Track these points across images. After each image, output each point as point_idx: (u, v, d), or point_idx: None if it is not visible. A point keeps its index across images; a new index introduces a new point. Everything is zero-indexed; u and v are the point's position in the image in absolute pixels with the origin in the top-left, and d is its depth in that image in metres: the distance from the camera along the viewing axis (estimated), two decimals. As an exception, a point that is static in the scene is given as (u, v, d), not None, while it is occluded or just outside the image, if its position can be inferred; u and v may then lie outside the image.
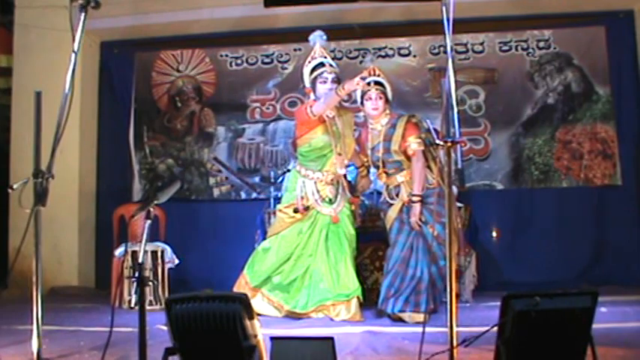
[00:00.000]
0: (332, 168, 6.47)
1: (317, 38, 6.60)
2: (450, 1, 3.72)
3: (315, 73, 6.47)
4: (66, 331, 5.76)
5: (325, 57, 6.57)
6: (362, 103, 6.39)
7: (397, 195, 6.31)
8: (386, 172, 6.36)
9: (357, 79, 5.97)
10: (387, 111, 6.38)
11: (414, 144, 6.20)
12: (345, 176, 6.63)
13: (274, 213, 7.70)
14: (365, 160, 6.59)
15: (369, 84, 6.26)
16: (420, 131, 6.27)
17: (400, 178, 6.29)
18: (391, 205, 6.33)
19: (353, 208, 6.68)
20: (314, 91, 6.49)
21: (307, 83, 6.57)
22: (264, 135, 9.24)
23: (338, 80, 6.43)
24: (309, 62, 6.56)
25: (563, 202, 8.63)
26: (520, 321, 3.36)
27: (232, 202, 9.27)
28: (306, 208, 6.45)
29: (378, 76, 6.36)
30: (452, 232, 3.65)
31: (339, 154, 6.43)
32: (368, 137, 6.46)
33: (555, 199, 8.67)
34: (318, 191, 6.47)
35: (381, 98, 6.30)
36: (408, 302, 6.06)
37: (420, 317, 5.89)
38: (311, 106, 6.37)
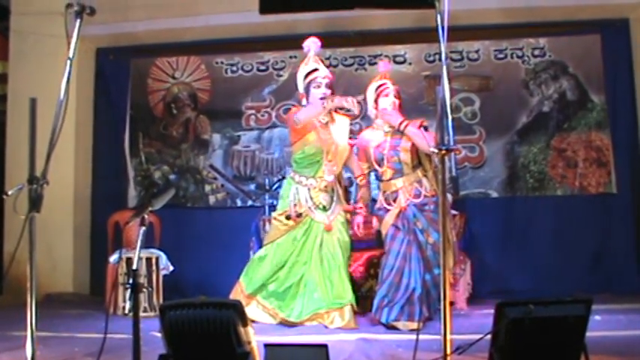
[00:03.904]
0: (325, 176, 6.48)
1: (311, 44, 6.60)
2: (444, 9, 3.73)
3: (309, 78, 6.47)
4: (60, 337, 5.77)
5: (319, 64, 6.57)
6: (375, 101, 6.43)
7: (394, 201, 6.31)
8: (389, 168, 6.35)
9: (351, 98, 6.07)
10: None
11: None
12: (339, 183, 6.63)
13: (269, 220, 7.70)
14: (365, 167, 6.60)
15: (384, 84, 6.40)
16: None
17: (399, 183, 6.30)
18: (388, 210, 6.33)
19: (347, 216, 6.63)
20: (307, 96, 6.49)
21: (301, 88, 6.58)
22: (259, 142, 9.24)
23: (332, 86, 6.47)
24: (303, 67, 6.58)
25: (558, 210, 8.63)
26: (514, 329, 3.37)
27: (228, 209, 9.25)
28: (299, 215, 6.43)
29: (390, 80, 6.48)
30: (446, 241, 3.65)
31: (330, 161, 6.44)
32: (371, 138, 6.46)
33: (550, 207, 8.67)
34: (311, 198, 6.46)
35: (396, 97, 6.38)
36: (402, 312, 6.05)
37: (414, 325, 5.90)
38: (295, 114, 6.41)
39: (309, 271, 6.40)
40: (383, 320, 6.13)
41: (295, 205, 6.45)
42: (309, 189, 6.48)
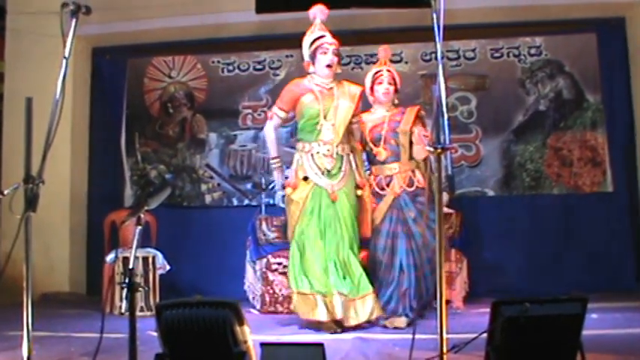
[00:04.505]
0: (325, 137, 6.22)
1: (317, 12, 6.39)
2: (440, 8, 3.73)
3: (316, 44, 6.27)
4: (56, 337, 5.77)
5: (325, 31, 6.35)
6: (371, 88, 6.47)
7: (388, 185, 6.32)
8: (386, 150, 6.33)
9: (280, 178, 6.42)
10: (396, 101, 6.47)
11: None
12: (354, 153, 6.36)
13: (266, 220, 7.70)
14: (360, 148, 6.49)
15: (379, 71, 6.43)
16: (426, 125, 6.44)
17: (395, 167, 6.31)
18: (380, 195, 6.34)
19: (360, 193, 6.31)
20: (313, 63, 6.31)
21: (306, 56, 6.36)
22: (255, 142, 9.23)
23: (338, 54, 6.31)
24: (309, 35, 6.36)
25: (554, 209, 8.65)
26: (509, 327, 3.37)
27: (224, 208, 9.25)
28: (305, 179, 6.16)
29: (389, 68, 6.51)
30: (442, 239, 3.64)
31: (332, 123, 6.19)
32: (368, 119, 6.48)
33: (546, 205, 8.68)
34: (315, 163, 6.19)
35: (391, 84, 6.41)
36: (385, 309, 6.09)
37: (399, 322, 6.01)
38: (270, 119, 6.50)
39: (330, 245, 6.10)
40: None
41: (297, 170, 6.24)
42: (312, 155, 6.22)
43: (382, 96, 6.41)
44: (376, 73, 6.50)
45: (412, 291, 6.10)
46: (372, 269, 6.31)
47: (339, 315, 5.93)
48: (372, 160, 6.52)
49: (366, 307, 6.01)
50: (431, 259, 6.06)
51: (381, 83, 6.41)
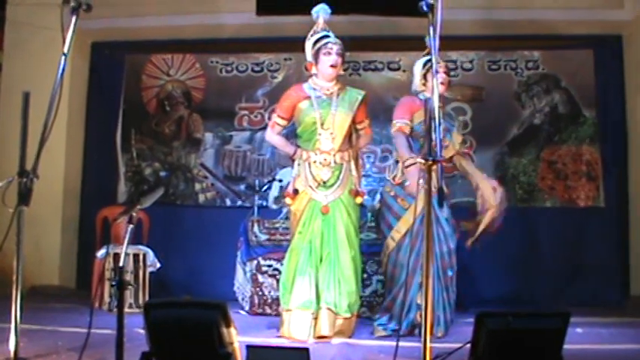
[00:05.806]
0: (323, 146, 6.00)
1: (320, 12, 6.17)
2: (437, 19, 3.76)
3: (319, 44, 6.03)
4: (44, 330, 5.76)
5: (328, 31, 6.14)
6: (424, 76, 6.17)
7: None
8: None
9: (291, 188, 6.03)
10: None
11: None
12: (356, 163, 6.22)
13: (258, 221, 7.71)
14: (402, 123, 6.15)
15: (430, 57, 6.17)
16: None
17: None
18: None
19: (359, 201, 6.12)
20: (316, 64, 6.06)
21: (309, 57, 6.12)
22: (251, 143, 9.25)
23: (343, 54, 6.06)
24: (312, 35, 6.13)
25: (546, 222, 8.68)
26: (492, 339, 3.40)
27: (217, 208, 9.26)
28: (295, 192, 5.98)
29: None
30: (430, 251, 3.66)
31: (326, 129, 5.99)
32: (419, 105, 6.14)
33: (538, 218, 8.72)
34: (311, 173, 6.00)
35: (446, 73, 6.16)
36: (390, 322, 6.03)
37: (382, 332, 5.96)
38: (272, 127, 6.27)
39: (316, 259, 5.91)
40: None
41: (295, 179, 6.07)
42: (309, 164, 6.02)
43: (441, 85, 5.96)
44: (429, 61, 6.00)
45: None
46: (389, 273, 6.12)
47: (313, 331, 5.72)
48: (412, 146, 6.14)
49: (338, 326, 5.83)
50: (453, 267, 6.04)
51: (437, 72, 6.01)
